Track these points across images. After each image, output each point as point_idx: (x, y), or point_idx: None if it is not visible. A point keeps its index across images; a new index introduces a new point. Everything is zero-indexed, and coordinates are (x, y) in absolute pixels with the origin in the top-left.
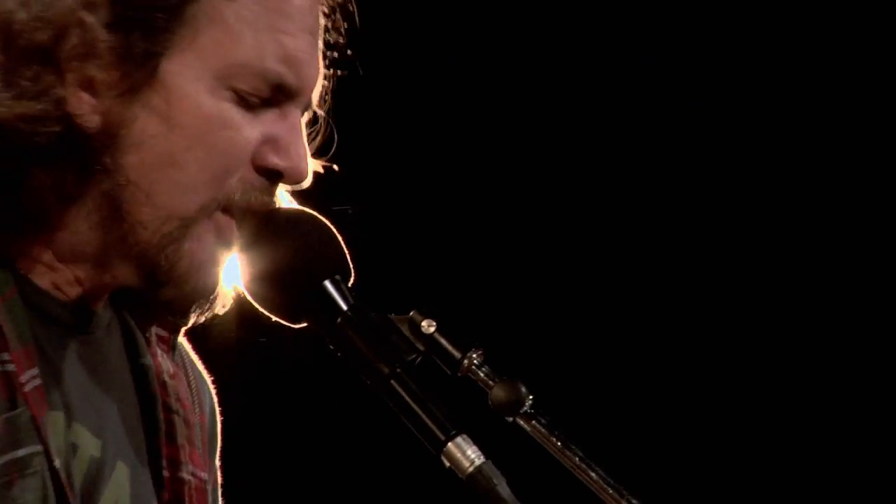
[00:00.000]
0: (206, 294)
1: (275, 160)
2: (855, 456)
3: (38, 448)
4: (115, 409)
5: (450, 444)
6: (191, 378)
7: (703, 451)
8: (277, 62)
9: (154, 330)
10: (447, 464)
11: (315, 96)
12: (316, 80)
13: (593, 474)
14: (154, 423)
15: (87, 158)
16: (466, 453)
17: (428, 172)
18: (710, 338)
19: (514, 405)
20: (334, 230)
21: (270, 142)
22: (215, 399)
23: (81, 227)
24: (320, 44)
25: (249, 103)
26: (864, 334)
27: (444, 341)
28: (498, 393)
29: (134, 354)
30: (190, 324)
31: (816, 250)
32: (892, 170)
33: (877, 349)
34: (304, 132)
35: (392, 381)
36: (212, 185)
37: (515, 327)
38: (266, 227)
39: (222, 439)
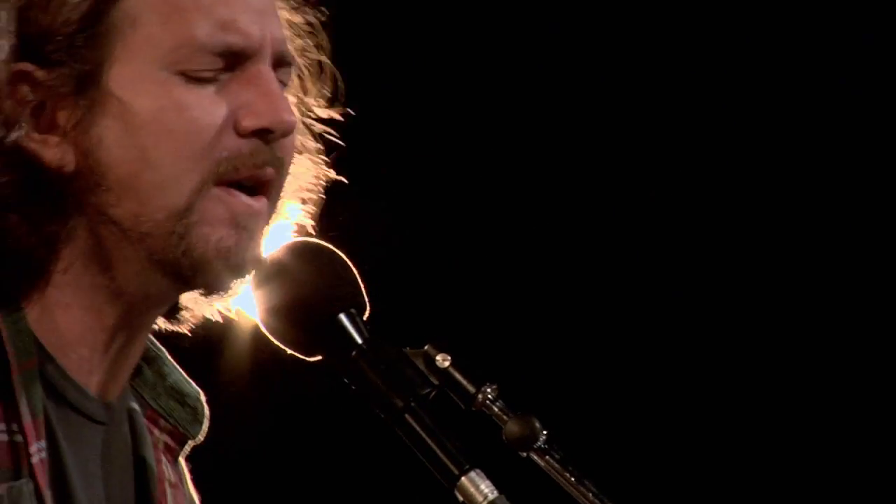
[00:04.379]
0: (241, 265)
1: (255, 121)
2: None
3: None
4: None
5: (463, 478)
6: (187, 492)
7: (722, 490)
8: (214, 31)
9: (163, 437)
10: (460, 498)
11: (288, 46)
12: (275, 29)
13: None
14: None
15: (66, 195)
16: (480, 488)
17: (444, 210)
18: (723, 373)
19: (528, 440)
20: (349, 263)
21: (244, 106)
22: None
23: (77, 265)
24: None
25: (205, 79)
26: (863, 335)
27: (458, 375)
28: (512, 428)
29: (140, 455)
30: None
31: (814, 252)
32: (892, 170)
33: (876, 350)
34: (276, 83)
35: (406, 415)
36: (194, 169)
37: (530, 363)
38: (281, 261)
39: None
